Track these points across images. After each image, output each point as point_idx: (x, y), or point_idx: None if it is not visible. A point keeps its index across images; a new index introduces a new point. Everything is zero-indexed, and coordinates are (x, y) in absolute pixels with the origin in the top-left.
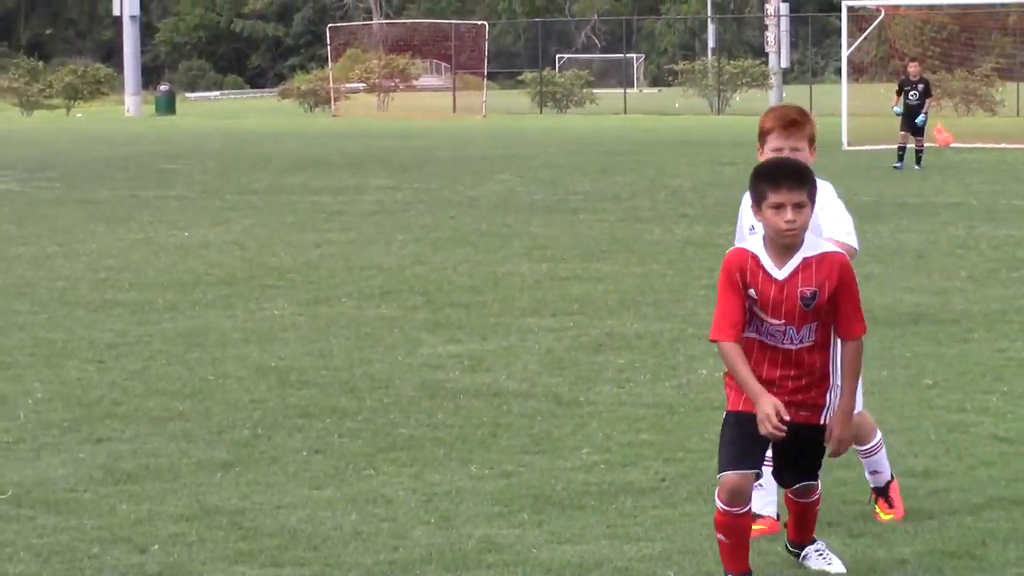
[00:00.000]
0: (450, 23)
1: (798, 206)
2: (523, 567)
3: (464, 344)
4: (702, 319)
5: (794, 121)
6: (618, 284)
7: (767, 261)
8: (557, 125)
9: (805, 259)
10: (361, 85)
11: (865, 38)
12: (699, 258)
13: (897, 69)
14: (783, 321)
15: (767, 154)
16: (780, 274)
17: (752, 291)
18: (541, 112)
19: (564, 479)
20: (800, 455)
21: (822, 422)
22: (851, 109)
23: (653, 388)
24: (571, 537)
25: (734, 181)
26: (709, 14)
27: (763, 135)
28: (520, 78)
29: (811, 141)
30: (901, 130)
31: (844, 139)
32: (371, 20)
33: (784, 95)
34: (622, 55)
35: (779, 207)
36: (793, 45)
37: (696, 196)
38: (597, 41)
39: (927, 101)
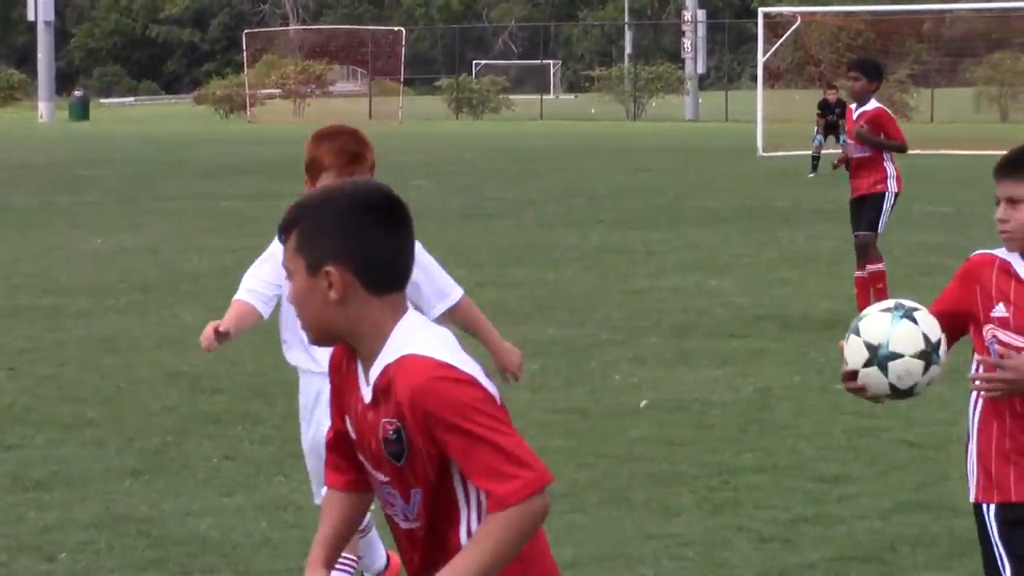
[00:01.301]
0: (367, 29)
1: None
2: None
3: None
4: (615, 324)
5: (356, 156)
6: (533, 290)
7: None
8: (474, 131)
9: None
10: (277, 91)
11: (781, 44)
12: (614, 264)
13: (812, 75)
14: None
15: None
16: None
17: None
18: (457, 118)
19: None
20: None
21: None
22: (766, 115)
23: (566, 394)
24: None
25: (650, 187)
26: (626, 20)
27: (317, 169)
28: (437, 84)
29: (371, 170)
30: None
31: (759, 145)
32: (288, 26)
33: (700, 101)
34: (539, 61)
35: None
36: (709, 51)
37: (612, 202)
38: (514, 47)
39: (843, 122)
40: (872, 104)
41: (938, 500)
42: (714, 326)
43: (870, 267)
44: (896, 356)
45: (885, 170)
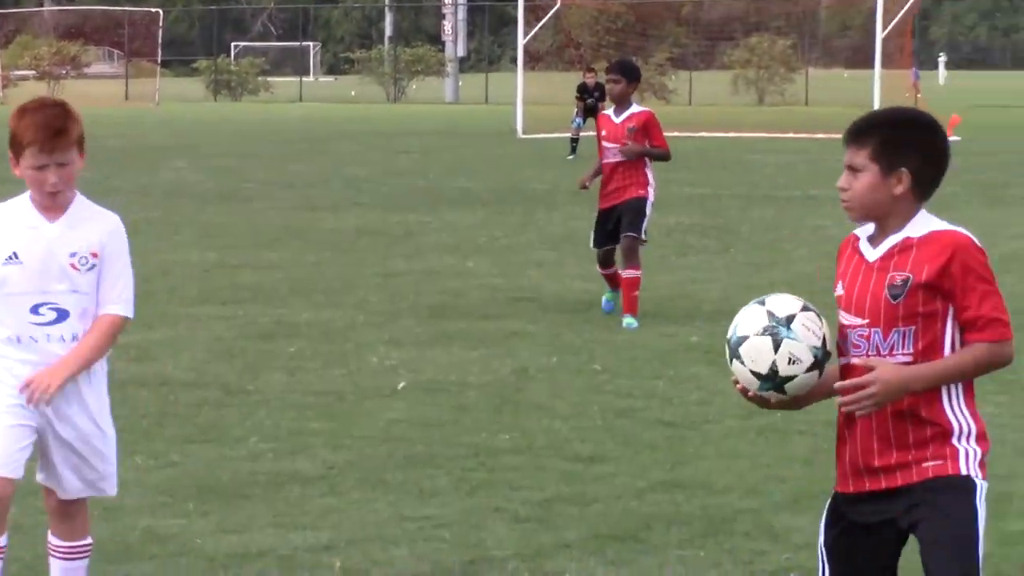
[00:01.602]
0: (123, 10)
1: None
2: (187, 558)
3: (130, 334)
4: (372, 306)
5: (59, 131)
6: (290, 272)
7: None
8: (232, 113)
9: None
10: (31, 72)
11: (541, 27)
12: (372, 247)
13: (572, 58)
14: None
15: (26, 172)
16: None
17: None
18: (216, 100)
19: (231, 468)
20: None
21: None
22: (526, 98)
23: (323, 376)
24: (237, 527)
25: (409, 170)
26: (386, 2)
27: (17, 144)
28: (195, 66)
29: (80, 146)
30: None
31: (519, 127)
32: (42, 6)
33: (461, 83)
34: (298, 43)
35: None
36: (470, 33)
37: (371, 185)
38: (273, 29)
39: (602, 104)
40: (637, 107)
41: (692, 479)
42: (471, 308)
43: (633, 272)
44: (743, 339)
45: (647, 176)
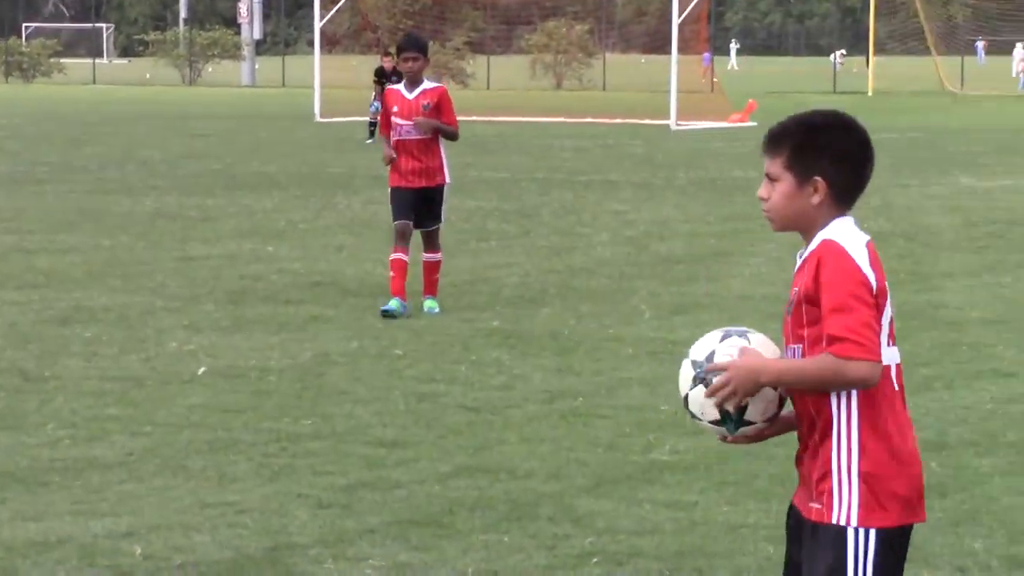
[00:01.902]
0: None
1: None
2: None
3: None
4: (171, 291)
5: None
6: (86, 256)
7: None
8: (23, 95)
9: None
10: None
11: (338, 10)
12: (170, 230)
13: (369, 41)
14: None
15: None
16: None
17: None
18: (7, 82)
19: (28, 455)
20: None
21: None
22: (324, 81)
23: (121, 361)
24: (35, 515)
25: (206, 152)
26: None
27: None
28: None
29: None
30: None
31: (316, 111)
32: None
33: (257, 66)
34: (91, 25)
35: None
36: (266, 16)
37: (167, 168)
38: (66, 10)
39: None
40: (430, 83)
41: (495, 464)
42: (271, 292)
43: (434, 255)
44: (685, 398)
45: (441, 158)
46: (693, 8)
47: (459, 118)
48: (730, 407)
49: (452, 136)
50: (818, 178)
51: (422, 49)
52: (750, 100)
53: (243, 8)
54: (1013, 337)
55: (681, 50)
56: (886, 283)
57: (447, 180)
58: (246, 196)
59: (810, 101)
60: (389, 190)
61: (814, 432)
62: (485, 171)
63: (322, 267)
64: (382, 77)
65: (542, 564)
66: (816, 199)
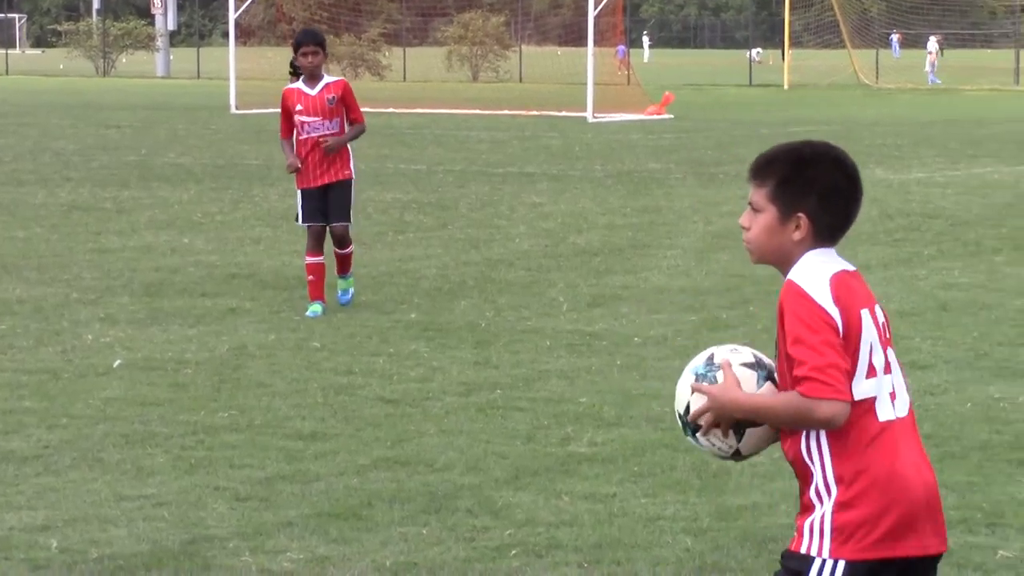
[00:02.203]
0: None
1: None
2: None
3: None
4: (86, 283)
5: None
6: (0, 248)
7: None
8: None
9: None
10: None
11: (253, 2)
12: (84, 222)
13: (285, 33)
14: None
15: None
16: None
17: None
18: None
19: None
20: None
21: None
22: (239, 73)
23: (36, 354)
24: None
25: (120, 144)
26: None
27: None
28: None
29: None
30: None
31: (232, 102)
32: None
33: (172, 57)
34: (2, 15)
35: None
36: (180, 7)
37: (81, 159)
38: None
39: None
40: (329, 76)
41: (414, 456)
42: (187, 285)
43: (347, 249)
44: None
45: (348, 152)
46: (609, 0)
47: (376, 110)
48: (714, 437)
49: (360, 134)
50: (802, 215)
51: (321, 43)
52: (667, 92)
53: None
54: (928, 329)
55: (597, 42)
56: (863, 313)
57: (353, 175)
58: (162, 188)
59: (727, 94)
60: (298, 192)
61: (796, 468)
62: (401, 163)
63: (239, 259)
64: (297, 70)
65: (461, 556)
66: (798, 235)
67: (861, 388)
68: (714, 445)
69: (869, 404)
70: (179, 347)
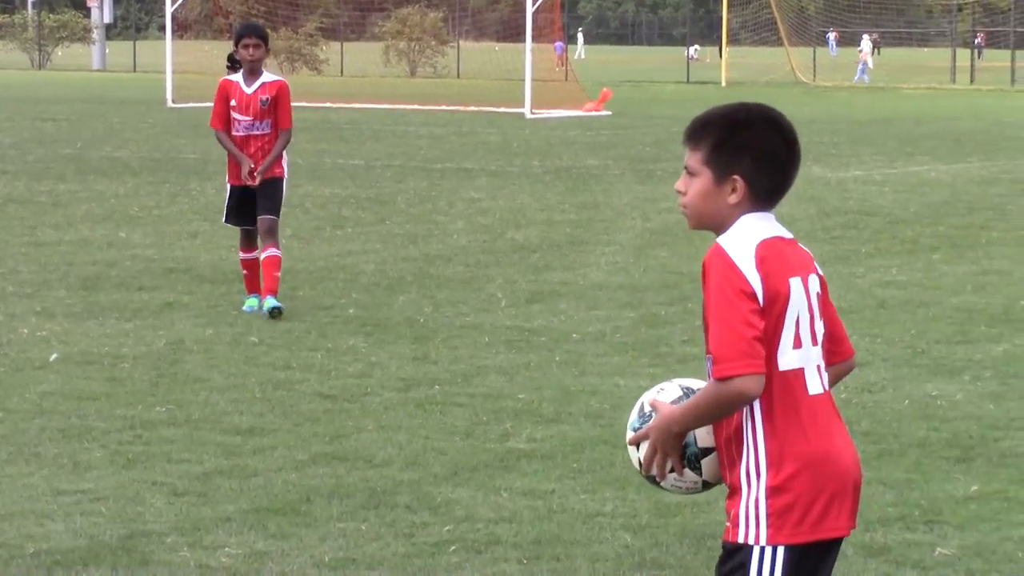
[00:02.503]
0: None
1: None
2: None
3: None
4: (22, 277)
5: None
6: None
7: None
8: None
9: None
10: None
11: None
12: (19, 215)
13: (222, 27)
14: None
15: None
16: None
17: None
18: None
19: None
20: None
21: None
22: (176, 66)
23: None
24: None
25: (56, 137)
26: None
27: None
28: None
29: None
30: None
31: (169, 96)
32: None
33: (108, 50)
34: None
35: None
36: (117, 0)
37: (17, 153)
38: None
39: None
40: (269, 75)
41: (352, 451)
42: (124, 279)
43: (274, 251)
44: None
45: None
46: None
47: (313, 104)
48: (669, 474)
49: (287, 143)
50: (737, 177)
51: (263, 37)
52: (605, 89)
53: None
54: (866, 327)
55: (535, 38)
56: (792, 281)
57: (286, 173)
58: (98, 181)
59: (664, 91)
60: (228, 187)
61: (725, 450)
62: (339, 158)
63: (176, 254)
64: (235, 63)
65: (400, 552)
66: (734, 198)
67: (787, 359)
68: (679, 486)
69: (797, 376)
70: (116, 341)
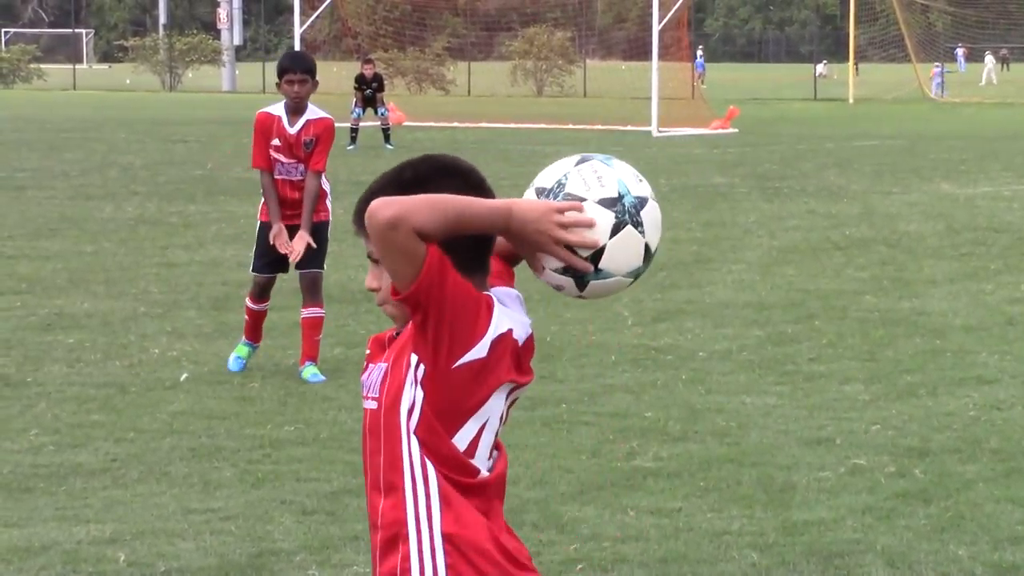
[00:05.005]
0: None
1: None
2: None
3: None
4: (153, 297)
5: None
6: (68, 262)
7: None
8: (3, 100)
9: None
10: None
11: (318, 16)
12: (151, 236)
13: (350, 48)
14: None
15: None
16: None
17: None
18: None
19: (12, 461)
20: None
21: None
22: None
23: (104, 367)
24: (19, 520)
25: (187, 158)
26: None
27: None
28: None
29: None
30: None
31: None
32: None
33: (237, 72)
34: (71, 30)
35: None
36: (246, 22)
37: (148, 174)
38: (45, 16)
39: (380, 95)
40: (316, 110)
41: None
42: None
43: (316, 310)
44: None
45: (326, 193)
46: (673, 15)
47: (441, 124)
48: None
49: (317, 192)
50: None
51: (309, 70)
52: (731, 107)
53: (222, 13)
54: (995, 344)
55: (662, 57)
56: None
57: (330, 216)
58: (228, 202)
59: (791, 109)
60: (258, 225)
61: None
62: None
63: None
64: (362, 84)
65: None
66: None
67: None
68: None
69: None
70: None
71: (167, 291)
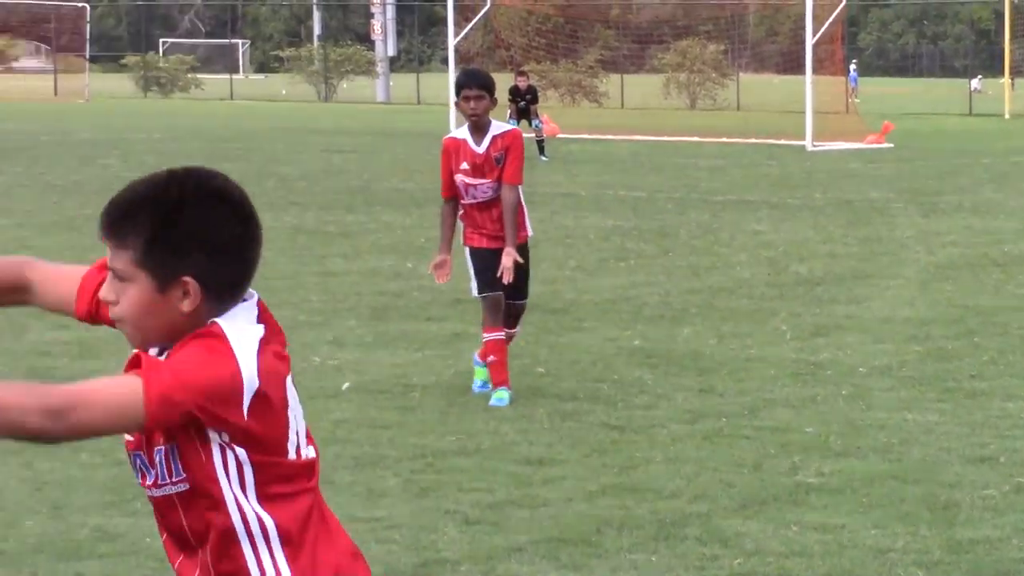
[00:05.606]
0: (49, 4)
1: None
2: (136, 556)
3: (72, 330)
4: (313, 306)
5: None
6: None
7: None
8: (162, 110)
9: None
10: None
11: (472, 28)
12: (310, 246)
13: (503, 59)
14: None
15: None
16: None
17: None
18: (146, 96)
19: None
20: None
21: None
22: None
23: None
24: None
25: (344, 169)
26: (314, 0)
27: None
28: (123, 62)
29: None
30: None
31: (452, 128)
32: None
33: (392, 83)
34: (227, 40)
35: None
36: (399, 33)
37: (306, 184)
38: (202, 26)
39: (534, 107)
40: (499, 124)
41: (641, 483)
42: (412, 309)
43: (506, 331)
44: None
45: (523, 209)
46: (827, 28)
47: (594, 136)
48: None
49: (516, 205)
50: (188, 279)
51: (485, 86)
52: (886, 121)
53: (376, 25)
54: None
55: (815, 70)
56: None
57: (530, 232)
58: (385, 212)
59: (946, 124)
60: (467, 251)
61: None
62: (621, 190)
63: (463, 285)
64: (516, 96)
65: None
66: (187, 305)
67: (307, 451)
68: None
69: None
70: (406, 371)
71: (327, 300)
